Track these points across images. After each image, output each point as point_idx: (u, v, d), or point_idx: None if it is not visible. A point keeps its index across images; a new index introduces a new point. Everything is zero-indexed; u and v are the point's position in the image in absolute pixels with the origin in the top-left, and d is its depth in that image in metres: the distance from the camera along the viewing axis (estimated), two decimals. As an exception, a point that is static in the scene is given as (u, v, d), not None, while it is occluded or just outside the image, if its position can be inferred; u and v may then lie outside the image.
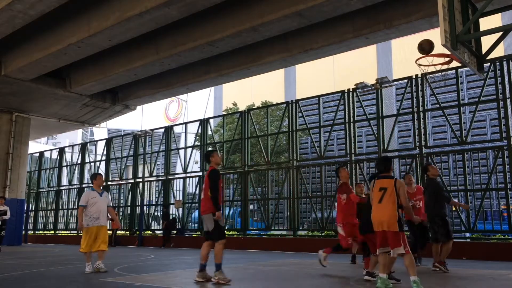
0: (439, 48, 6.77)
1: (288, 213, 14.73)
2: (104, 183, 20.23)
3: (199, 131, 17.72)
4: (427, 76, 11.78)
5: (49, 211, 22.68)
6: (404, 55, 21.88)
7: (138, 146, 19.43)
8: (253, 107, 22.71)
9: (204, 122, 17.42)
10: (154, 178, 18.68)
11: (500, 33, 7.00)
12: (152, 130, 19.34)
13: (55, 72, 16.32)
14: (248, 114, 16.33)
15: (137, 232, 17.95)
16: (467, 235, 12.05)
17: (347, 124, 13.51)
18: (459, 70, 11.95)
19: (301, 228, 14.78)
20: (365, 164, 13.56)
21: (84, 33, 12.77)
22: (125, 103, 19.32)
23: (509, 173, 10.89)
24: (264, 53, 14.22)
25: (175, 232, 17.08)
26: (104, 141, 21.63)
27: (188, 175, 17.69)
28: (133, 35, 12.94)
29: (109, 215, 8.34)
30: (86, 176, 21.44)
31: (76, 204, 19.40)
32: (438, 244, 7.57)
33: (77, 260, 10.28)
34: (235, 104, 26.57)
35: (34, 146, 29.85)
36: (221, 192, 6.45)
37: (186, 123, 18.65)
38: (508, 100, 11.02)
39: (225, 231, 6.84)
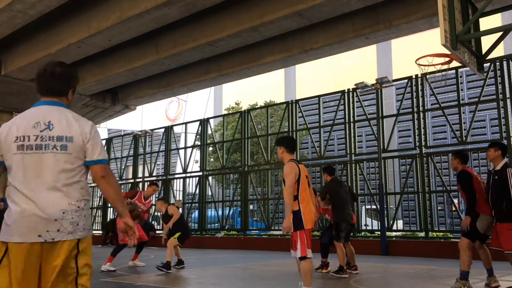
0: (439, 48, 6.77)
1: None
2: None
3: (199, 131, 17.73)
4: (427, 76, 11.78)
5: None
6: (404, 55, 21.89)
7: (138, 146, 19.43)
8: (254, 107, 22.71)
9: (204, 122, 17.42)
10: (154, 178, 18.68)
11: (500, 33, 7.01)
12: (152, 130, 19.33)
13: (55, 72, 16.31)
14: (248, 114, 16.33)
15: (137, 232, 17.91)
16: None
17: (347, 124, 13.51)
18: (459, 70, 11.95)
19: (301, 228, 14.75)
20: (365, 164, 13.56)
21: (84, 33, 12.77)
22: (125, 103, 19.32)
23: (509, 173, 10.87)
24: (264, 53, 14.23)
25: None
26: (104, 141, 21.62)
27: (188, 175, 17.69)
28: (133, 35, 12.94)
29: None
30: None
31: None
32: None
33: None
34: (238, 103, 26.58)
35: (34, 146, 29.79)
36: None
37: (186, 123, 18.65)
38: (508, 100, 11.02)
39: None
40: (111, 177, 2.45)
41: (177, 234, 7.98)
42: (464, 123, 11.99)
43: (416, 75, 12.29)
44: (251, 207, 16.30)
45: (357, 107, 13.54)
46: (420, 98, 12.31)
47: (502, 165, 5.39)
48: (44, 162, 2.28)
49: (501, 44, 7.86)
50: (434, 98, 12.44)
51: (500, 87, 11.16)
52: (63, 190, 2.28)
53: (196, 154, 18.03)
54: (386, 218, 11.93)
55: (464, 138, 11.60)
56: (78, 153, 2.35)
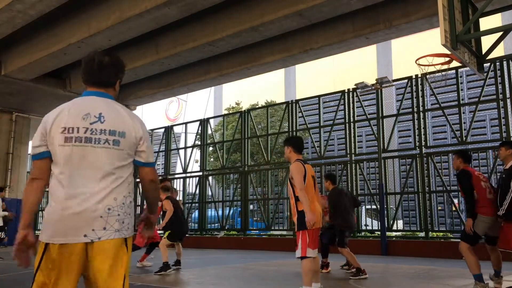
0: (439, 48, 6.77)
1: (288, 213, 14.72)
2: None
3: (199, 131, 17.73)
4: (427, 76, 11.79)
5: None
6: (404, 55, 21.90)
7: (138, 146, 19.39)
8: (254, 107, 22.72)
9: (204, 122, 17.42)
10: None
11: (500, 33, 7.01)
12: (152, 130, 19.33)
13: (55, 72, 16.32)
14: (248, 114, 16.33)
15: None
16: (467, 235, 12.05)
17: (347, 124, 13.51)
18: (459, 70, 11.95)
19: (301, 228, 14.75)
20: (365, 164, 13.56)
21: (84, 33, 12.78)
22: (125, 103, 19.29)
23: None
24: (264, 53, 14.23)
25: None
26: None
27: (188, 175, 17.69)
28: (133, 35, 12.94)
29: None
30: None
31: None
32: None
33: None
34: (238, 103, 26.59)
35: (34, 146, 29.81)
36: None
37: (186, 123, 18.66)
38: (508, 100, 11.03)
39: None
40: (158, 181, 2.39)
41: (167, 233, 7.86)
42: (464, 123, 11.99)
43: (416, 75, 12.29)
44: (251, 207, 16.30)
45: (357, 107, 13.54)
46: (420, 98, 12.31)
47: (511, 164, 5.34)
48: (93, 156, 2.11)
49: (501, 44, 7.86)
50: (434, 98, 12.44)
51: (500, 87, 11.17)
52: (110, 187, 2.12)
53: (196, 154, 18.04)
54: (386, 218, 11.93)
55: (464, 138, 11.60)
56: (129, 149, 2.22)
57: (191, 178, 17.55)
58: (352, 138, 13.39)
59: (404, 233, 12.92)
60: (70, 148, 2.10)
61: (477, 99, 11.85)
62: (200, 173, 17.03)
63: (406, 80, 12.79)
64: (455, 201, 12.01)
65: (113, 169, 2.14)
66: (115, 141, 2.17)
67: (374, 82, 12.64)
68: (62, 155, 2.10)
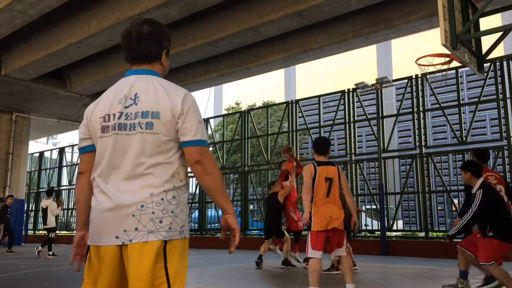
0: (439, 48, 6.77)
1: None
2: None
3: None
4: (427, 76, 11.79)
5: (49, 211, 22.59)
6: (404, 55, 21.90)
7: (138, 146, 19.38)
8: (254, 107, 22.72)
9: (204, 122, 17.41)
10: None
11: (500, 33, 7.01)
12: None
13: (55, 72, 16.31)
14: (248, 114, 16.33)
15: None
16: (467, 235, 12.05)
17: (347, 124, 13.51)
18: (459, 70, 11.96)
19: (301, 228, 14.75)
20: (365, 164, 13.56)
21: (84, 33, 12.77)
22: (125, 103, 19.31)
23: (509, 173, 10.90)
24: (264, 53, 14.22)
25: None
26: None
27: (188, 175, 17.65)
28: (133, 35, 12.93)
29: None
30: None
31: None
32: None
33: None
34: (238, 103, 26.59)
35: (34, 146, 29.85)
36: None
37: (186, 123, 18.60)
38: (508, 100, 11.03)
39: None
40: (209, 162, 1.91)
41: None
42: (464, 123, 11.99)
43: (416, 75, 12.29)
44: (251, 207, 16.30)
45: (357, 107, 13.54)
46: (420, 98, 12.31)
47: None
48: (127, 145, 1.82)
49: (501, 44, 7.87)
50: (434, 98, 12.44)
51: (500, 87, 11.17)
52: (144, 179, 1.80)
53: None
54: (386, 218, 11.93)
55: (464, 138, 11.60)
56: (168, 132, 1.84)
57: (191, 178, 17.52)
58: (352, 138, 13.39)
59: (404, 233, 12.92)
60: (107, 138, 1.85)
61: (477, 99, 11.85)
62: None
63: (406, 80, 12.80)
64: (455, 201, 12.01)
65: (149, 158, 1.82)
66: (148, 123, 1.82)
67: (374, 82, 12.63)
68: (100, 147, 1.87)
